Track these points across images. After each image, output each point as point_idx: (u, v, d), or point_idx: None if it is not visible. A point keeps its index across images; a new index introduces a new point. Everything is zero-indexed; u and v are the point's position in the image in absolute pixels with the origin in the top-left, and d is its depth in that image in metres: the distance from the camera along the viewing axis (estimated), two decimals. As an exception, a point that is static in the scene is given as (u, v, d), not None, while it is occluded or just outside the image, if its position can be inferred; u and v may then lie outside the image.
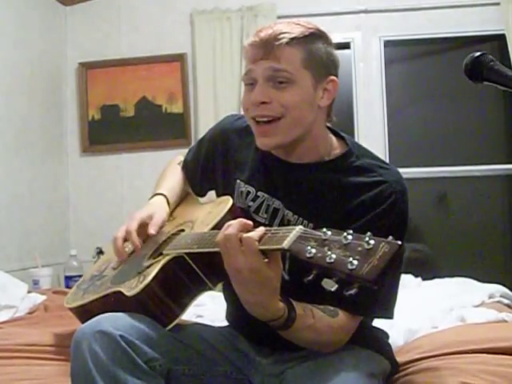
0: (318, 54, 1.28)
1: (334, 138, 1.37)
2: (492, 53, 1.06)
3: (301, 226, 1.02)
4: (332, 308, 1.21)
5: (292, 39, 1.25)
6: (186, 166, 1.62)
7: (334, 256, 0.92)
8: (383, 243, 0.90)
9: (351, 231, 0.94)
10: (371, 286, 0.88)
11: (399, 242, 0.90)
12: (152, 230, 1.40)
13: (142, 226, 1.41)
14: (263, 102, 1.27)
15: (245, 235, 1.06)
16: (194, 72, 3.50)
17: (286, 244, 0.99)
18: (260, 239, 1.05)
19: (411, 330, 1.85)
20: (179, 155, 1.68)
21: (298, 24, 1.29)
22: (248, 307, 1.12)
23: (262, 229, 1.08)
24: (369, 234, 0.92)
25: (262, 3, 3.41)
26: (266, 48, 1.25)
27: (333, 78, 1.31)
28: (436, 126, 3.68)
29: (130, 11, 3.62)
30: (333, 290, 0.94)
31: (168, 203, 1.52)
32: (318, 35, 1.29)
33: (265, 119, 1.28)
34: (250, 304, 1.12)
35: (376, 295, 1.17)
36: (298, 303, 1.16)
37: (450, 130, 3.67)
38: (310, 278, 0.95)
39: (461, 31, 3.46)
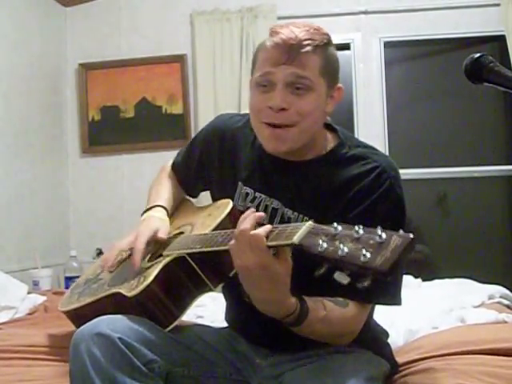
0: (332, 62, 1.30)
1: (328, 133, 1.39)
2: (492, 54, 1.05)
3: (310, 222, 1.02)
4: (342, 299, 1.21)
5: (316, 47, 1.25)
6: (177, 169, 1.61)
7: (346, 249, 0.92)
8: (395, 236, 0.91)
9: (362, 226, 0.94)
10: (384, 278, 0.88)
11: (411, 235, 0.90)
12: (162, 235, 1.38)
13: (149, 243, 1.38)
14: (282, 109, 1.26)
15: (252, 232, 1.06)
16: (194, 73, 3.50)
17: (296, 239, 1.00)
18: (268, 236, 1.06)
19: (411, 330, 1.85)
20: (168, 162, 1.66)
21: (315, 29, 1.28)
22: (261, 306, 1.12)
23: (269, 226, 1.08)
24: (380, 227, 0.92)
25: (262, 4, 3.41)
26: (291, 53, 1.24)
27: (340, 86, 1.34)
28: (436, 127, 3.68)
29: (129, 12, 3.63)
30: (345, 282, 0.93)
31: (167, 215, 1.49)
32: (330, 41, 1.31)
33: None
34: (262, 302, 1.11)
35: (386, 285, 1.17)
36: (307, 297, 1.16)
37: (450, 131, 3.67)
38: (322, 271, 0.95)
39: (461, 32, 3.46)
